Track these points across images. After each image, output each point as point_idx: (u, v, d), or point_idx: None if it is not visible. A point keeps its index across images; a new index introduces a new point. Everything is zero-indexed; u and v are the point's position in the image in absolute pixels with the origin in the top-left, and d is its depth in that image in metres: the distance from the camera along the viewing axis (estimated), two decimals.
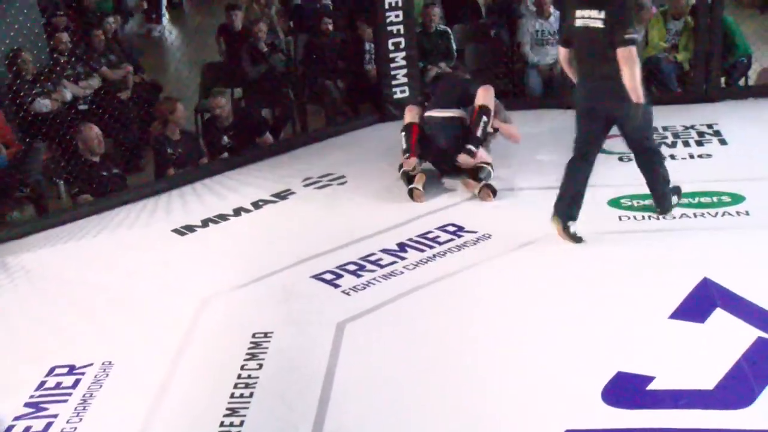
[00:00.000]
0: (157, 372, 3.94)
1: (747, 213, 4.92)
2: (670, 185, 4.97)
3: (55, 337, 4.31)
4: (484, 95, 5.73)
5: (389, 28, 6.82)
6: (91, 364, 4.01)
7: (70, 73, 7.21)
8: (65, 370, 4.00)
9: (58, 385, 3.88)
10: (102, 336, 4.29)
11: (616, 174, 5.64)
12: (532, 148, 6.20)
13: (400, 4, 6.78)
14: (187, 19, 9.88)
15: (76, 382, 3.89)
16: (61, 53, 7.23)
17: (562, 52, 4.86)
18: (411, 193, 5.58)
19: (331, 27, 7.91)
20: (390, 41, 6.86)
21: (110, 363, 4.02)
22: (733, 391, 3.44)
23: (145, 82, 7.95)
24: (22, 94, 6.46)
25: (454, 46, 7.93)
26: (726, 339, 3.78)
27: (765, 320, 3.87)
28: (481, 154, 5.67)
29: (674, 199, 5.05)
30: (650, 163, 4.88)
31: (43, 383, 3.91)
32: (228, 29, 8.32)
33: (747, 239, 4.64)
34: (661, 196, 4.96)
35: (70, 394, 3.81)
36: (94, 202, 5.88)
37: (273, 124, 7.52)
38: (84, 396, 3.79)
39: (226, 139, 6.67)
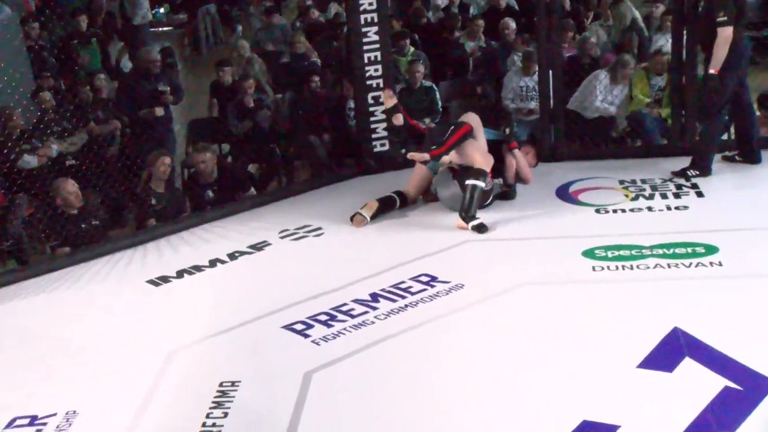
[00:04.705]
0: (122, 420, 3.90)
1: (720, 264, 4.92)
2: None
3: (16, 391, 4.26)
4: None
5: (368, 82, 6.91)
6: (54, 414, 3.96)
7: (57, 129, 7.28)
8: (26, 420, 3.94)
9: None
10: (66, 387, 4.24)
11: (591, 225, 5.67)
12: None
13: (379, 59, 6.88)
14: (179, 75, 10.03)
15: None
16: (46, 112, 7.31)
17: None
18: (353, 217, 6.00)
19: (318, 84, 8.01)
20: (369, 95, 6.93)
21: (74, 412, 3.97)
22: None
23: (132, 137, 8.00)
24: (5, 151, 6.47)
25: (439, 103, 8.03)
26: (693, 388, 3.76)
27: (732, 369, 3.85)
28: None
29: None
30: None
31: None
32: (219, 86, 8.43)
33: (718, 289, 4.64)
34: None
35: None
36: (71, 254, 5.90)
37: (260, 180, 7.59)
38: None
39: (210, 193, 6.72)
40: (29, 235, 6.29)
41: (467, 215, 5.71)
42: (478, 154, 5.86)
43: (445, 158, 5.92)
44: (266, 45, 10.02)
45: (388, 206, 6.15)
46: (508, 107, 7.95)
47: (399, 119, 6.19)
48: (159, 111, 7.59)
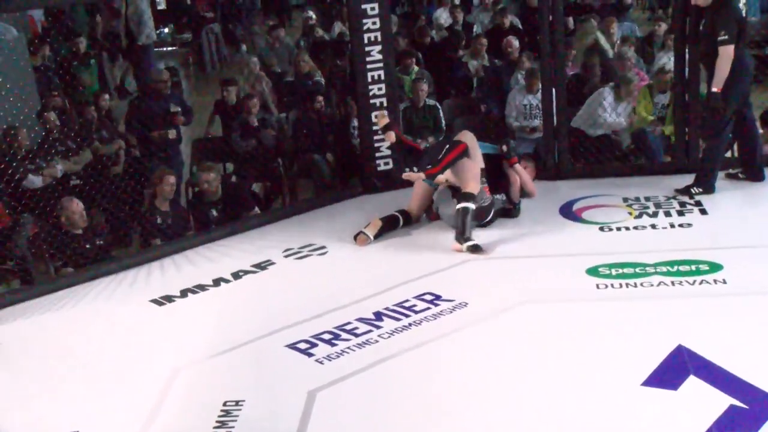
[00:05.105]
0: None
1: (724, 281, 4.92)
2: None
3: (20, 411, 4.26)
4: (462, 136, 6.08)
5: (372, 101, 6.92)
6: None
7: (62, 149, 7.29)
8: None
9: None
10: (70, 407, 4.24)
11: (594, 243, 5.67)
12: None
13: (382, 78, 6.90)
14: (183, 94, 10.06)
15: None
16: (51, 132, 7.34)
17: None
18: (356, 236, 6.01)
19: (321, 104, 8.02)
20: (373, 114, 6.95)
21: None
22: None
23: (137, 156, 8.03)
24: (10, 171, 6.47)
25: (443, 121, 8.04)
26: (698, 406, 3.76)
27: (737, 387, 3.85)
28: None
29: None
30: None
31: None
32: (223, 104, 8.45)
33: (723, 307, 4.64)
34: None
35: None
36: (76, 273, 5.90)
37: (263, 198, 7.60)
38: None
39: (214, 212, 6.73)
40: (34, 255, 6.31)
41: (462, 237, 5.72)
42: (471, 174, 5.87)
43: (441, 177, 5.93)
44: (271, 63, 10.05)
45: (391, 225, 6.15)
46: (511, 125, 7.96)
47: (391, 137, 6.24)
48: (172, 133, 7.62)
